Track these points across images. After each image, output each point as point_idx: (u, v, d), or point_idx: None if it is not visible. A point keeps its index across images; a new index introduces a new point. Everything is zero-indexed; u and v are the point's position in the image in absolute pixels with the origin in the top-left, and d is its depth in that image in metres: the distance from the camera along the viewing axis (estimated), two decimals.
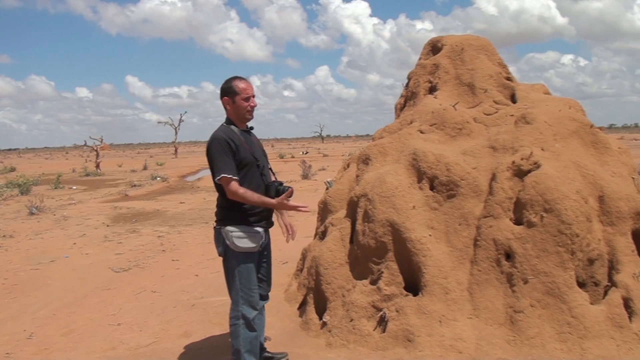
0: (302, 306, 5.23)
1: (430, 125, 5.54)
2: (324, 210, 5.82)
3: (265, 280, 4.17)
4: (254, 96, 3.94)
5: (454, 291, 4.44)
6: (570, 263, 4.30)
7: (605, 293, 4.46)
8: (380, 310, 4.54)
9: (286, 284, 6.12)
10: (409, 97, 6.46)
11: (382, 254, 4.71)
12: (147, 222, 12.88)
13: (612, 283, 4.49)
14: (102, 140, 41.92)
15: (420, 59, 6.66)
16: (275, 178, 4.11)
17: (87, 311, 6.10)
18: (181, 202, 16.73)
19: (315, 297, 5.06)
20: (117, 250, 9.55)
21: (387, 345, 4.36)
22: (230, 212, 3.85)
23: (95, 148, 39.61)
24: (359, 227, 4.91)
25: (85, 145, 43.50)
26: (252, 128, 4.08)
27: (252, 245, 3.84)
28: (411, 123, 5.74)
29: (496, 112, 5.70)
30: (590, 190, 4.78)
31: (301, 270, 5.63)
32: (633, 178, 5.40)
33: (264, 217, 3.94)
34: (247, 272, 3.88)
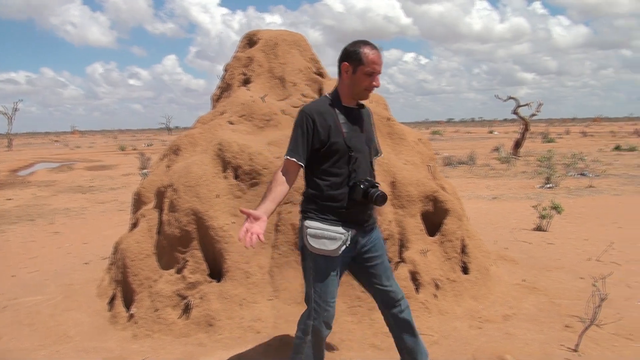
0: (112, 300, 5.17)
1: (240, 117, 5.71)
2: (138, 202, 5.78)
3: (380, 287, 3.40)
4: (379, 74, 3.14)
5: (255, 275, 4.65)
6: None
7: (396, 269, 4.90)
8: (185, 298, 4.63)
9: (100, 279, 6.02)
10: (224, 89, 6.58)
11: (187, 243, 4.80)
12: None
13: (402, 259, 4.93)
14: None
15: (236, 51, 6.79)
16: (373, 175, 3.33)
17: None
18: (8, 199, 15.59)
19: (124, 290, 5.04)
20: None
21: (189, 332, 4.46)
22: (310, 203, 3.22)
23: None
24: (164, 217, 4.95)
25: None
26: (362, 106, 3.33)
27: (330, 248, 3.12)
28: (222, 114, 5.87)
29: (303, 104, 5.98)
30: (383, 176, 5.19)
31: (113, 264, 5.56)
32: (428, 166, 5.95)
33: (345, 215, 3.18)
34: (325, 279, 3.21)
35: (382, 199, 3.12)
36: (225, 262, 4.66)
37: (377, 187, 3.16)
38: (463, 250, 5.22)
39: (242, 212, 3.02)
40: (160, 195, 5.22)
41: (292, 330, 4.35)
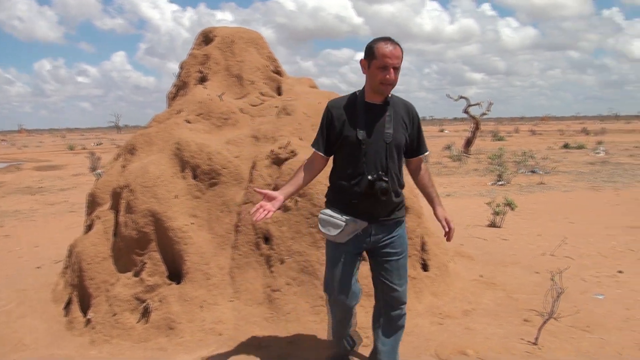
0: (68, 305, 5.02)
1: (197, 115, 5.62)
2: (92, 203, 5.62)
3: (389, 283, 3.46)
4: (395, 68, 3.14)
5: (215, 276, 4.58)
6: (323, 242, 4.65)
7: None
8: (144, 301, 4.52)
9: (55, 284, 5.83)
10: (180, 87, 6.46)
11: (144, 245, 4.69)
12: None
13: (362, 257, 4.92)
14: None
15: (192, 48, 6.69)
16: (388, 170, 3.28)
17: None
18: None
19: (80, 295, 4.89)
20: None
21: (149, 336, 4.36)
22: (328, 192, 3.48)
23: None
24: (121, 218, 4.83)
25: None
26: (387, 102, 3.30)
27: (332, 234, 3.29)
28: (179, 113, 5.75)
29: (262, 103, 5.94)
30: None
31: (68, 267, 5.39)
32: None
33: (355, 207, 3.28)
34: (331, 262, 3.43)
35: (382, 191, 3.20)
36: (185, 264, 4.57)
37: (385, 180, 3.21)
38: (422, 247, 5.26)
39: (256, 191, 3.32)
40: (116, 196, 5.08)
41: (254, 331, 4.32)
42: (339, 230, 3.26)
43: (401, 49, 3.16)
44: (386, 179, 3.22)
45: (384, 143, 3.26)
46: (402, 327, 3.62)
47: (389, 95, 3.30)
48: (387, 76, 3.15)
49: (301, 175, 3.37)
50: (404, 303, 3.54)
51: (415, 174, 3.58)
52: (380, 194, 3.20)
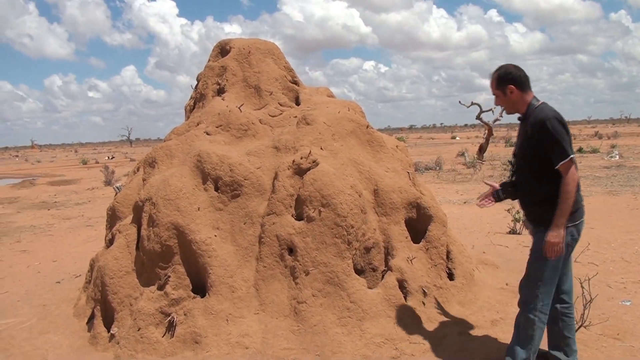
0: (91, 320, 4.99)
1: (217, 127, 5.60)
2: (113, 217, 5.61)
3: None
4: (495, 95, 3.71)
5: (240, 289, 4.54)
6: (347, 252, 4.60)
7: (383, 277, 4.84)
8: (169, 315, 4.49)
9: (76, 298, 5.80)
10: (198, 99, 6.46)
11: (168, 258, 4.66)
12: None
13: (388, 267, 4.88)
14: None
15: (209, 60, 6.68)
16: (512, 177, 3.89)
17: None
18: None
19: (103, 309, 4.86)
20: None
21: (175, 350, 4.32)
22: None
23: None
24: (143, 232, 4.80)
25: None
26: (520, 119, 3.70)
27: None
28: (198, 125, 5.75)
29: (281, 113, 5.91)
30: (365, 184, 5.15)
31: (90, 282, 5.37)
32: (408, 172, 5.91)
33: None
34: None
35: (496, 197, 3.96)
36: (209, 277, 4.53)
37: (502, 187, 3.90)
38: (447, 256, 5.19)
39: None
40: (137, 209, 5.06)
41: (280, 344, 4.26)
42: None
43: (493, 76, 3.64)
44: (508, 184, 3.87)
45: (518, 154, 3.71)
46: (518, 326, 3.79)
47: (528, 110, 3.58)
48: None
49: None
50: (522, 302, 3.78)
51: None
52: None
